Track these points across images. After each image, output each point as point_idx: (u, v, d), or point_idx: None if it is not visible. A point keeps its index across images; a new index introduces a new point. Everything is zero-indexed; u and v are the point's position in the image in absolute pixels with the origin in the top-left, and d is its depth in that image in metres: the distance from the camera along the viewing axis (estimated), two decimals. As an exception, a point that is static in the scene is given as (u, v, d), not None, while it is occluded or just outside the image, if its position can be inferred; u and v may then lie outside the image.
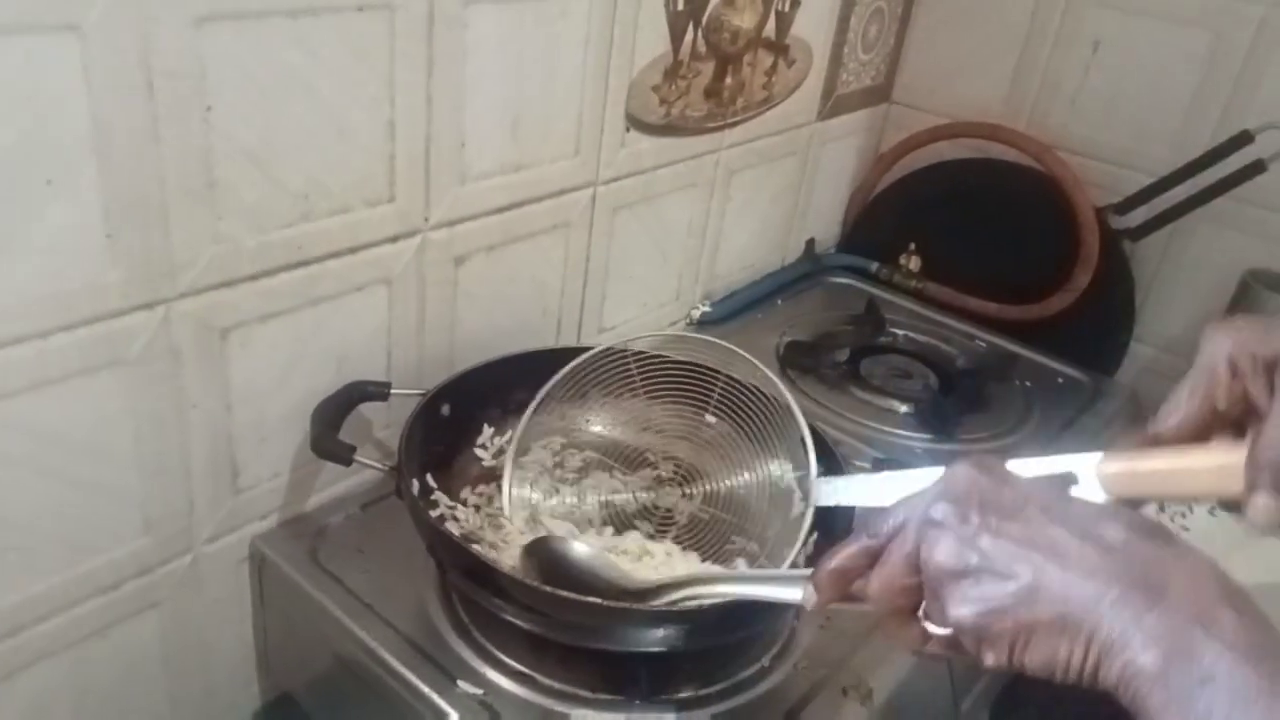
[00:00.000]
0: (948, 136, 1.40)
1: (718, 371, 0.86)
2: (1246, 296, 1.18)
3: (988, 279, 1.37)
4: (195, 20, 0.63)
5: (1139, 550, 0.42)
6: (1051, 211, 1.31)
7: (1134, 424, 1.24)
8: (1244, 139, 1.16)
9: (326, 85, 0.72)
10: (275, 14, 0.67)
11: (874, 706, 0.76)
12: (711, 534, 0.84)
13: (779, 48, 1.17)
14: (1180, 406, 0.53)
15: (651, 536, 0.84)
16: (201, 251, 0.69)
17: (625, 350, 0.86)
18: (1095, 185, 1.30)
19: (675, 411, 0.89)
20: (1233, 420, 0.53)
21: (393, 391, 0.83)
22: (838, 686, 0.76)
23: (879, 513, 0.49)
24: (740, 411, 0.85)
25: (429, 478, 0.81)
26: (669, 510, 0.87)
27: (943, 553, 0.44)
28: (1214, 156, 1.18)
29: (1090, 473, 0.53)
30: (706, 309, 1.28)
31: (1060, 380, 1.27)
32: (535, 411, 0.85)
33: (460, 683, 0.72)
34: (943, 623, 0.45)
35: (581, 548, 0.74)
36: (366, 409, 0.85)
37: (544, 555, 0.74)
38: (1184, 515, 0.99)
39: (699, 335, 0.87)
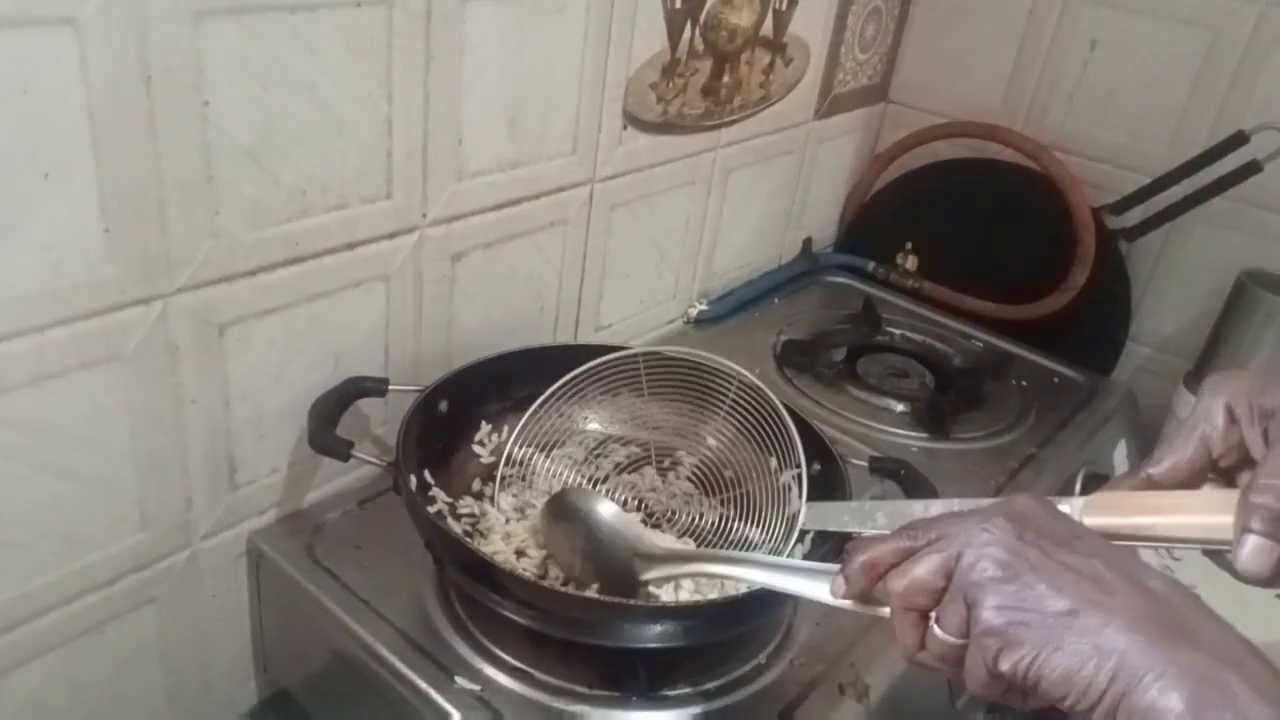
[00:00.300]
0: (945, 136, 1.40)
1: (723, 373, 0.86)
2: (1242, 296, 1.18)
3: (984, 278, 1.38)
4: (193, 14, 0.62)
5: (1177, 599, 0.43)
6: (1048, 211, 1.31)
7: (1131, 426, 1.24)
8: (1240, 139, 1.16)
9: (324, 81, 0.72)
10: (273, 9, 0.67)
11: (870, 703, 0.76)
12: (711, 528, 0.84)
13: (776, 46, 1.17)
14: (1175, 449, 0.53)
15: (657, 526, 0.84)
16: (199, 247, 0.69)
17: (637, 354, 0.87)
18: (1092, 185, 1.30)
19: (674, 409, 0.89)
20: (1226, 471, 0.53)
21: (390, 387, 0.83)
22: (834, 683, 0.76)
23: (921, 520, 0.50)
24: (737, 411, 0.85)
25: (427, 474, 0.81)
26: (670, 507, 0.87)
27: (991, 558, 0.44)
28: (1210, 156, 1.19)
29: (1078, 510, 0.52)
30: (703, 307, 1.28)
31: (1056, 379, 1.27)
32: (536, 409, 0.85)
33: (458, 679, 0.72)
34: (959, 630, 0.45)
35: (606, 504, 0.75)
36: (364, 405, 0.85)
37: (565, 507, 0.75)
38: (1176, 559, 1.00)
39: (678, 351, 0.87)
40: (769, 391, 0.82)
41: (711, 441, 0.89)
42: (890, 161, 1.46)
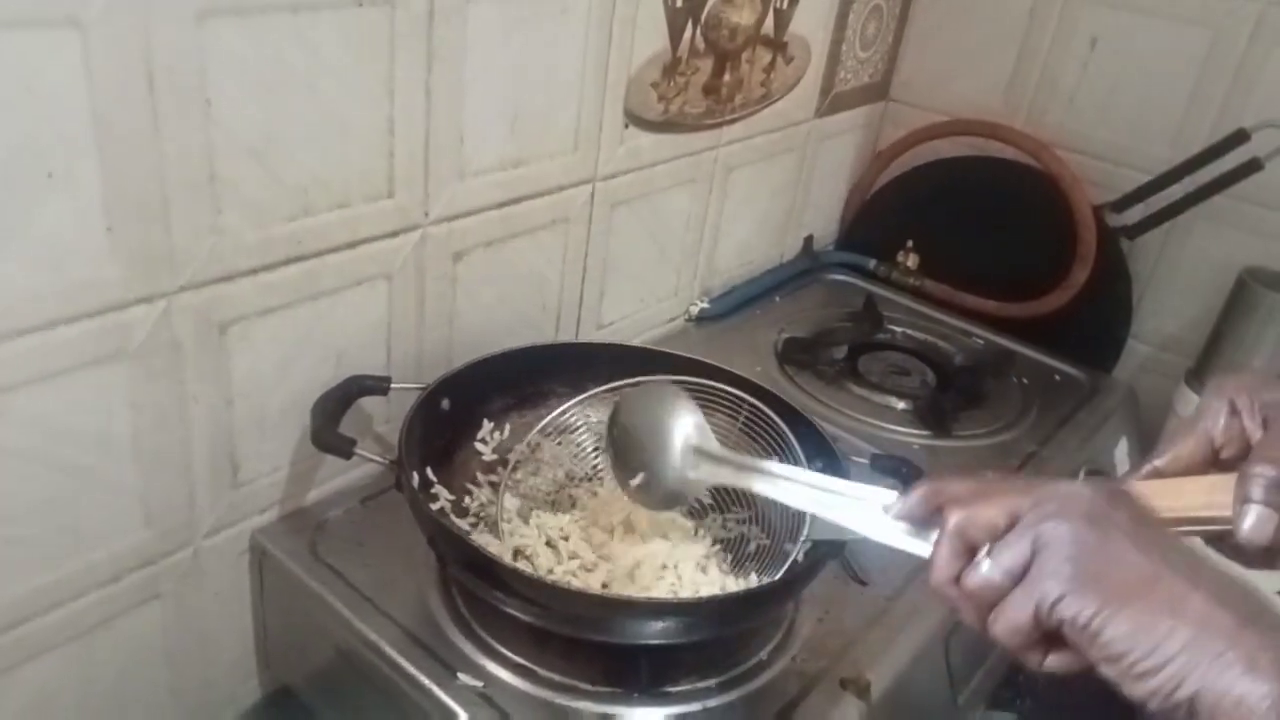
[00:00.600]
0: (946, 134, 1.40)
1: (739, 396, 0.86)
2: (1243, 294, 1.18)
3: (985, 276, 1.38)
4: (196, 15, 0.63)
5: (1259, 594, 0.43)
6: (1049, 209, 1.31)
7: (1132, 424, 1.25)
8: (1241, 137, 1.16)
9: (327, 80, 0.72)
10: (276, 9, 0.67)
11: (872, 700, 0.76)
12: (722, 528, 0.85)
13: (777, 45, 1.17)
14: (1178, 441, 0.54)
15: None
16: (202, 245, 0.69)
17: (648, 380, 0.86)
18: (1093, 183, 1.30)
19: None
20: (1228, 463, 0.53)
21: (393, 386, 0.83)
22: (835, 679, 0.77)
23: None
24: (748, 425, 0.85)
25: (429, 471, 0.81)
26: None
27: (1078, 510, 0.44)
28: (1211, 154, 1.19)
29: None
30: (705, 305, 1.28)
31: (1057, 377, 1.27)
32: (546, 426, 0.86)
33: (460, 675, 0.72)
34: (1013, 569, 0.44)
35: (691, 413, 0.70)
36: (366, 403, 0.85)
37: (649, 397, 0.72)
38: None
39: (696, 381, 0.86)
40: (777, 419, 0.82)
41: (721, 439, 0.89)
42: (891, 160, 1.46)
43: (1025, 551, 0.45)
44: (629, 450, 0.72)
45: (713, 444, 0.68)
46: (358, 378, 0.82)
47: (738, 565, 0.81)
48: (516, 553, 0.79)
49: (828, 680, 0.76)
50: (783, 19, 1.16)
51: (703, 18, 1.03)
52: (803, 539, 0.78)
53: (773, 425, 0.82)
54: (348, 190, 0.77)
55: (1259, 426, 0.51)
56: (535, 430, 0.86)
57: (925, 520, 0.51)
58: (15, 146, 0.58)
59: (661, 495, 0.70)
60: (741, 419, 0.85)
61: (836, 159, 1.45)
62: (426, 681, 0.71)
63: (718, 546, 0.83)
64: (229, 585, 0.84)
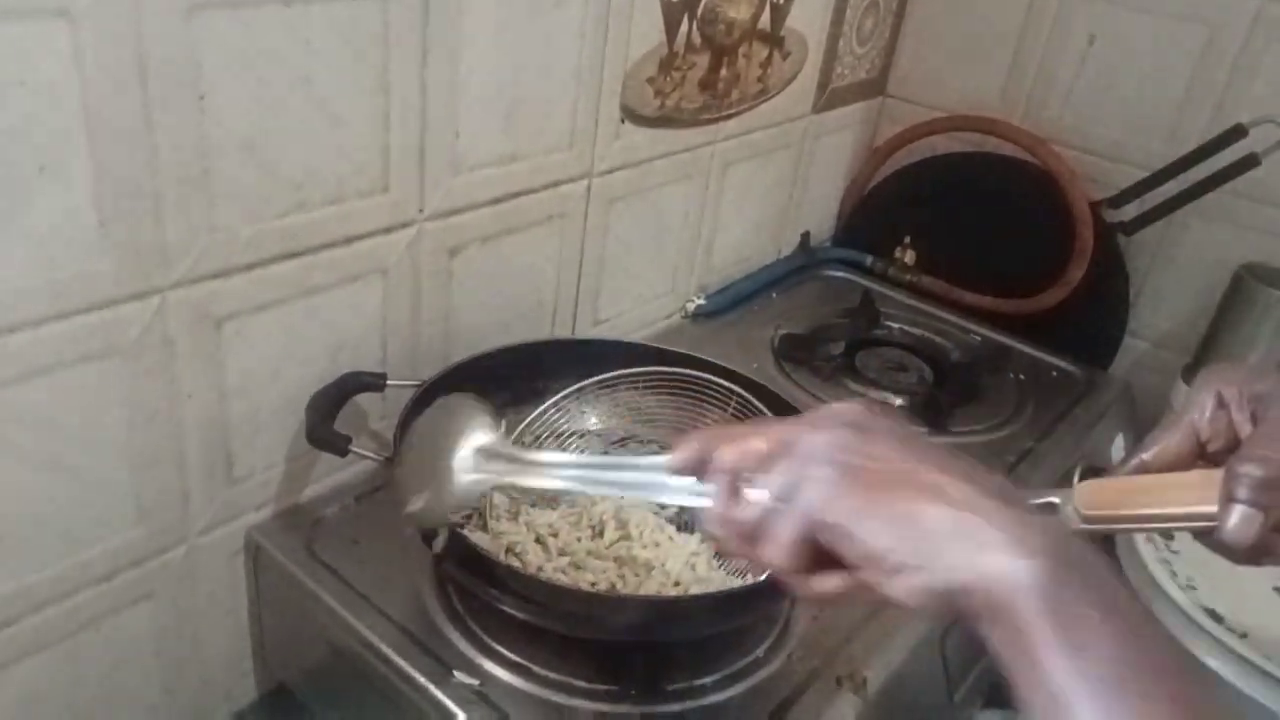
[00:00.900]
0: (943, 130, 1.40)
1: (728, 388, 0.86)
2: (1240, 290, 1.18)
3: (982, 272, 1.38)
4: (188, 7, 0.62)
5: (1008, 489, 0.45)
6: (1046, 205, 1.31)
7: (1129, 420, 1.24)
8: (1238, 133, 1.16)
9: (321, 74, 0.72)
10: (269, 1, 0.66)
11: (868, 696, 0.76)
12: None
13: (774, 40, 1.17)
14: (1164, 434, 0.54)
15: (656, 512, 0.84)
16: (195, 241, 0.69)
17: (652, 370, 0.87)
18: (1090, 179, 1.30)
19: (672, 404, 0.89)
20: (1215, 457, 0.53)
21: (388, 382, 0.82)
22: (832, 676, 0.76)
23: None
24: (740, 414, 0.85)
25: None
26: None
27: (843, 421, 0.47)
28: (1208, 150, 1.18)
29: (1069, 498, 0.53)
30: (701, 301, 1.28)
31: (1054, 373, 1.27)
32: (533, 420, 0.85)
33: (456, 673, 0.71)
34: (783, 490, 0.46)
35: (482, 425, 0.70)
36: (362, 400, 0.85)
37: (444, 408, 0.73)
38: (1174, 552, 1.00)
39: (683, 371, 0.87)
40: (764, 409, 0.82)
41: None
42: (888, 155, 1.46)
43: (793, 472, 0.46)
44: (410, 473, 0.70)
45: (497, 444, 0.67)
46: (354, 374, 0.82)
47: (727, 562, 0.81)
48: (507, 550, 0.78)
49: (824, 677, 0.76)
50: (779, 14, 1.15)
51: (699, 12, 1.03)
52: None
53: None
54: (342, 185, 0.77)
55: (1247, 420, 0.51)
56: (523, 425, 0.85)
57: (702, 467, 0.51)
58: (6, 140, 0.57)
59: (440, 510, 0.68)
60: (730, 412, 0.85)
61: (833, 155, 1.44)
62: (422, 680, 0.71)
63: (707, 543, 0.83)
64: (223, 583, 0.84)
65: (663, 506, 0.85)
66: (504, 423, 0.77)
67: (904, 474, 0.44)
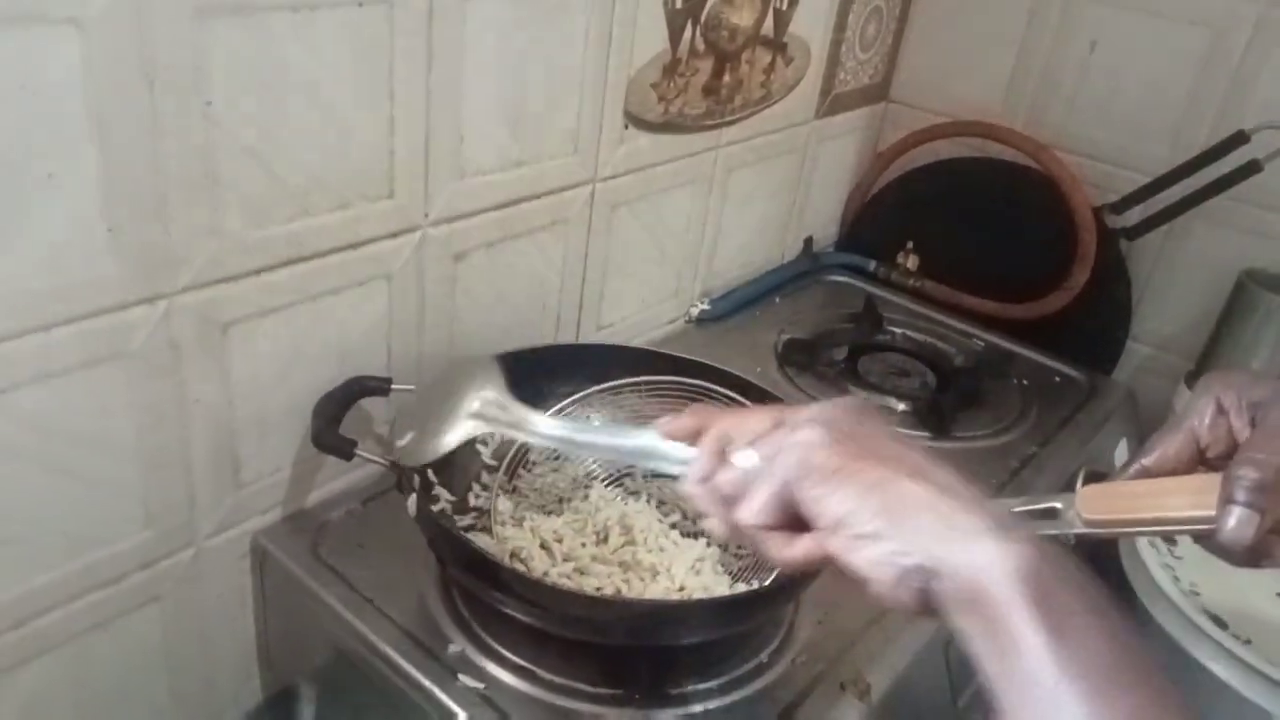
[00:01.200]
0: (945, 135, 1.40)
1: (729, 397, 0.86)
2: (1242, 295, 1.18)
3: (985, 277, 1.38)
4: (195, 14, 0.63)
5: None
6: (1049, 210, 1.31)
7: (1132, 425, 1.25)
8: (1240, 139, 1.16)
9: (326, 80, 0.72)
10: (275, 8, 0.67)
11: (872, 701, 0.76)
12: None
13: (777, 46, 1.18)
14: (1164, 439, 0.54)
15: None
16: (202, 246, 0.69)
17: (654, 380, 0.87)
18: (1092, 184, 1.30)
19: (676, 409, 0.89)
20: (1214, 462, 0.53)
21: (393, 387, 0.83)
22: (835, 681, 0.77)
23: None
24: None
25: (430, 472, 0.81)
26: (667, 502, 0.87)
27: (828, 419, 0.48)
28: (1210, 156, 1.19)
29: (1070, 503, 0.53)
30: (705, 307, 1.28)
31: (1057, 378, 1.27)
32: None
33: (461, 677, 0.72)
34: (767, 457, 0.48)
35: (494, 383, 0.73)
36: (367, 404, 0.85)
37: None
38: (1177, 558, 1.00)
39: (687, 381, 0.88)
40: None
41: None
42: (891, 161, 1.46)
43: (780, 438, 0.47)
44: (409, 414, 0.73)
45: (498, 399, 0.69)
46: (359, 379, 0.82)
47: (731, 566, 0.81)
48: (511, 555, 0.79)
49: (828, 682, 0.76)
50: (782, 20, 1.16)
51: (702, 18, 1.03)
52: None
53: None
54: (348, 191, 0.77)
55: (1246, 425, 0.52)
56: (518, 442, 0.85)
57: (696, 437, 0.53)
58: (15, 146, 0.58)
59: (423, 450, 0.70)
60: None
61: (836, 160, 1.45)
62: (427, 683, 0.71)
63: (712, 548, 0.83)
64: (230, 587, 0.84)
65: (666, 515, 0.86)
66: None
67: (889, 452, 0.45)
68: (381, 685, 0.74)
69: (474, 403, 0.69)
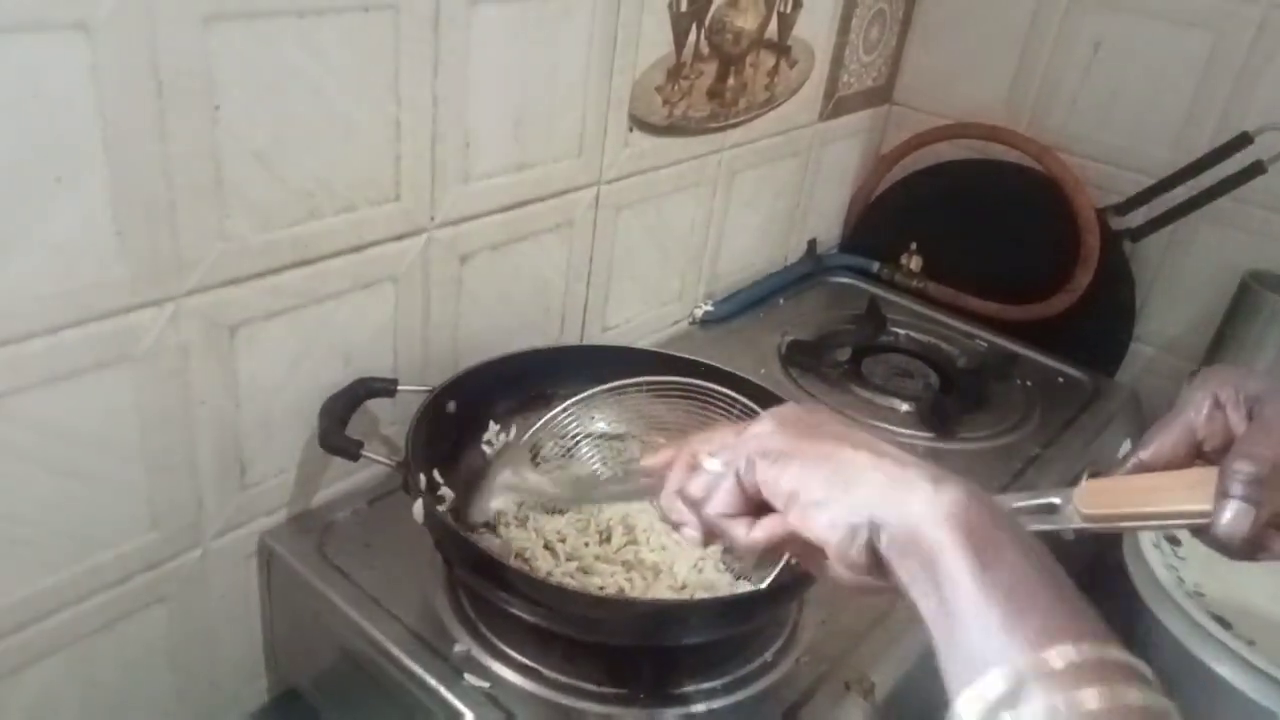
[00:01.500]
0: (949, 137, 1.40)
1: (730, 396, 0.87)
2: (1246, 297, 1.18)
3: (989, 279, 1.38)
4: (203, 19, 0.63)
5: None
6: (1052, 212, 1.31)
7: (1136, 426, 1.25)
8: (1243, 140, 1.17)
9: (333, 85, 0.72)
10: (282, 14, 0.67)
11: (876, 701, 0.76)
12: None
13: (781, 49, 1.18)
14: (1161, 433, 0.55)
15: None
16: (209, 249, 0.70)
17: (657, 380, 0.87)
18: (1095, 186, 1.30)
19: (680, 408, 0.90)
20: (1211, 456, 0.54)
21: (399, 388, 0.83)
22: (840, 681, 0.77)
23: None
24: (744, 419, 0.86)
25: (435, 473, 0.81)
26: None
27: (773, 418, 0.52)
28: (1214, 158, 1.19)
29: (1069, 498, 0.53)
30: (709, 308, 1.28)
31: (1061, 380, 1.27)
32: (544, 424, 0.86)
33: (466, 676, 0.72)
34: (728, 461, 0.52)
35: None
36: (373, 405, 0.86)
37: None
38: (1180, 559, 1.00)
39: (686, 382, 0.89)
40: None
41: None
42: (894, 163, 1.47)
43: (740, 440, 0.51)
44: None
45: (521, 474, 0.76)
46: (365, 380, 0.83)
47: (734, 565, 0.81)
48: (516, 555, 0.79)
49: (832, 682, 0.77)
50: (786, 23, 1.16)
51: (707, 22, 1.04)
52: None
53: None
54: (354, 194, 0.78)
55: (1243, 420, 0.52)
56: (530, 431, 0.86)
57: (663, 464, 0.58)
58: (23, 150, 0.58)
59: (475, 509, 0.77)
60: (736, 416, 0.86)
61: (840, 162, 1.45)
62: (433, 682, 0.72)
63: (714, 547, 0.83)
64: (236, 587, 0.84)
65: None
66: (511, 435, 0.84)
67: (833, 431, 0.49)
68: (387, 685, 0.74)
69: (499, 485, 0.76)
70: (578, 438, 0.89)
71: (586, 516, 0.84)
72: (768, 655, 0.78)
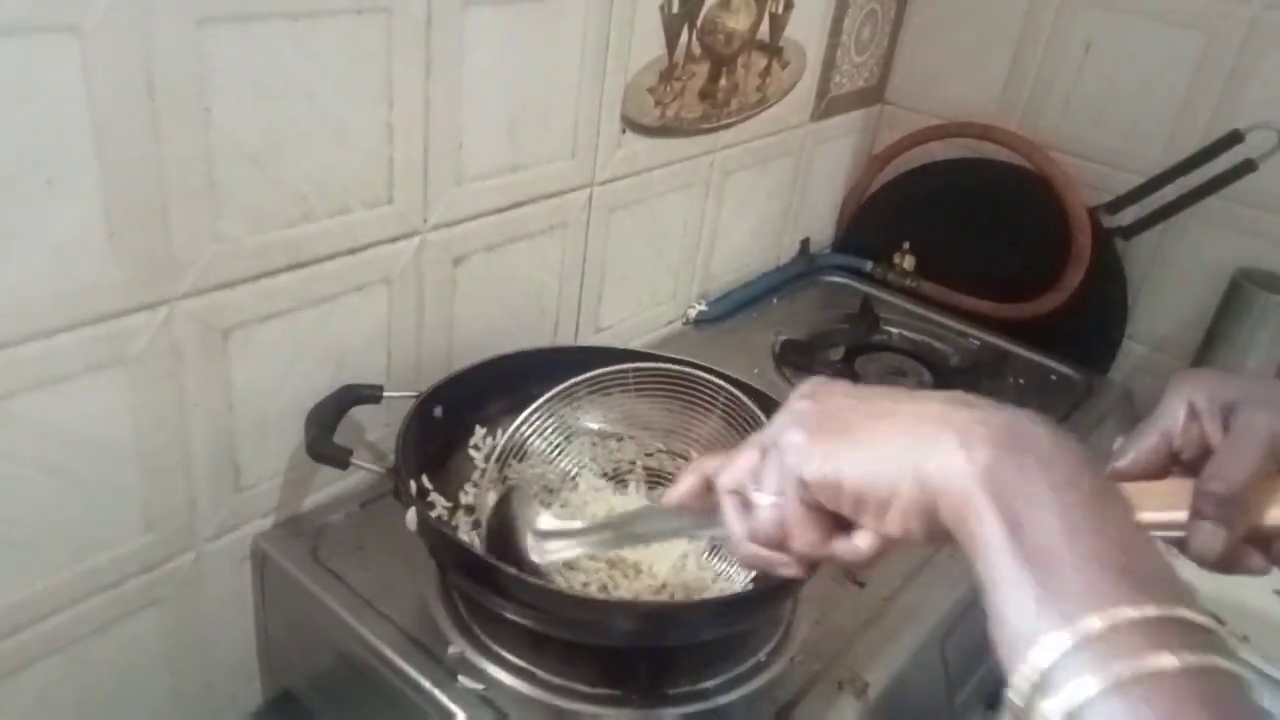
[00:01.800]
0: (941, 137, 1.41)
1: (715, 384, 0.87)
2: (1237, 295, 1.19)
3: (981, 277, 1.38)
4: (196, 21, 0.63)
5: (963, 397, 0.46)
6: (1044, 211, 1.32)
7: (1128, 424, 1.25)
8: (1234, 138, 1.17)
9: (325, 87, 0.73)
10: (275, 16, 0.67)
11: (869, 700, 0.76)
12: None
13: (773, 50, 1.18)
14: (1137, 443, 0.54)
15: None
16: (202, 252, 0.70)
17: (637, 366, 0.87)
18: (1087, 185, 1.31)
19: (664, 407, 0.90)
20: (1188, 464, 0.53)
21: (385, 394, 0.83)
22: (833, 680, 0.77)
23: None
24: (728, 413, 0.86)
25: (425, 479, 0.81)
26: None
27: (793, 411, 0.49)
28: (1205, 156, 1.19)
29: None
30: (702, 308, 1.29)
31: (1053, 378, 1.28)
32: (528, 416, 0.86)
33: (460, 678, 0.72)
34: (776, 486, 0.48)
35: (540, 510, 0.74)
36: (360, 410, 0.85)
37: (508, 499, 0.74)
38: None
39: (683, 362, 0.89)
40: (751, 404, 0.83)
41: (704, 436, 0.90)
42: (887, 162, 1.47)
43: (775, 460, 0.49)
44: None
45: (550, 524, 0.72)
46: (351, 387, 0.82)
47: (714, 564, 0.82)
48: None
49: (825, 681, 0.77)
50: (778, 24, 1.16)
51: (698, 23, 1.04)
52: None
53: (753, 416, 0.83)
54: (347, 196, 0.78)
55: (1219, 429, 0.51)
56: (512, 428, 0.86)
57: (702, 498, 0.55)
58: (15, 153, 0.58)
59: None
60: (719, 411, 0.87)
61: (832, 162, 1.45)
62: (427, 684, 0.72)
63: (694, 544, 0.83)
64: (230, 590, 0.84)
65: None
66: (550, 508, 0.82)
67: (857, 411, 0.47)
68: (381, 687, 0.74)
69: (532, 539, 0.71)
70: (569, 434, 0.90)
71: (573, 509, 0.85)
72: (761, 655, 0.78)
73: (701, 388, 0.87)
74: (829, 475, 0.46)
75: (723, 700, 0.74)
